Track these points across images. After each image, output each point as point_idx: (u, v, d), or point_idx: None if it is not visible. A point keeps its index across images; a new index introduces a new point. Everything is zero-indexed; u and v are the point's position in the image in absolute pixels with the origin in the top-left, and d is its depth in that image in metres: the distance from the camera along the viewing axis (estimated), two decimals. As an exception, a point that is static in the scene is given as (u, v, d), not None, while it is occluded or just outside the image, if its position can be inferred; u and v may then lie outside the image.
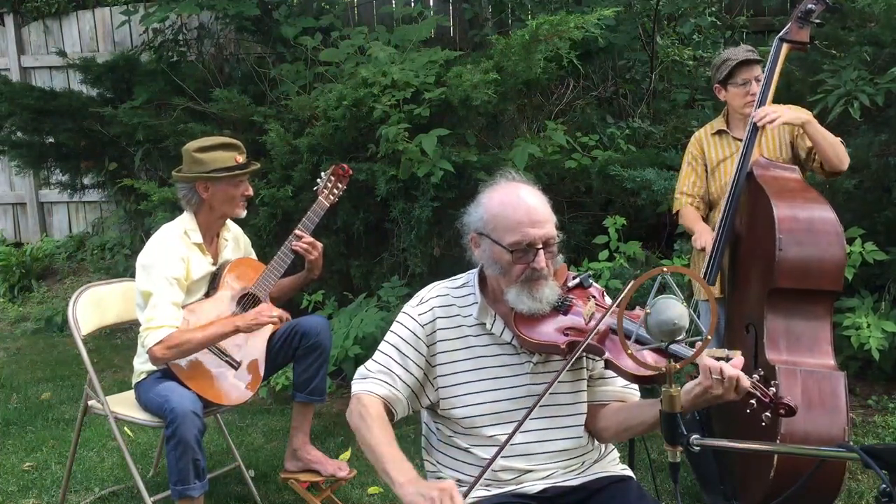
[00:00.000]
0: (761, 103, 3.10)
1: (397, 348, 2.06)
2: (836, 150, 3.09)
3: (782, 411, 1.85)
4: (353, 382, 2.09)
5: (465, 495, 1.82)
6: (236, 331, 2.97)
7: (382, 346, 2.09)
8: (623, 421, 2.05)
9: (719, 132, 3.36)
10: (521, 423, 1.88)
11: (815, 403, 2.67)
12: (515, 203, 1.98)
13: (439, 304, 2.09)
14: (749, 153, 3.06)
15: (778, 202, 2.85)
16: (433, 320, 2.07)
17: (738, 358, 1.87)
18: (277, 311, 3.02)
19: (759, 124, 3.04)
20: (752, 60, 3.23)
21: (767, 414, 1.85)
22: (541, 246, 1.96)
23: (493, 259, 2.00)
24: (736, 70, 3.25)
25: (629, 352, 1.73)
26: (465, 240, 2.08)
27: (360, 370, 2.09)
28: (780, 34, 3.17)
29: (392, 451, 1.92)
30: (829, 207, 2.88)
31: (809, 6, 3.11)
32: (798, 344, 2.80)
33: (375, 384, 2.04)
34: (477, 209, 2.04)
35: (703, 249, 3.11)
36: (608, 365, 1.95)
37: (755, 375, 1.86)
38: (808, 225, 2.83)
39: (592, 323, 1.97)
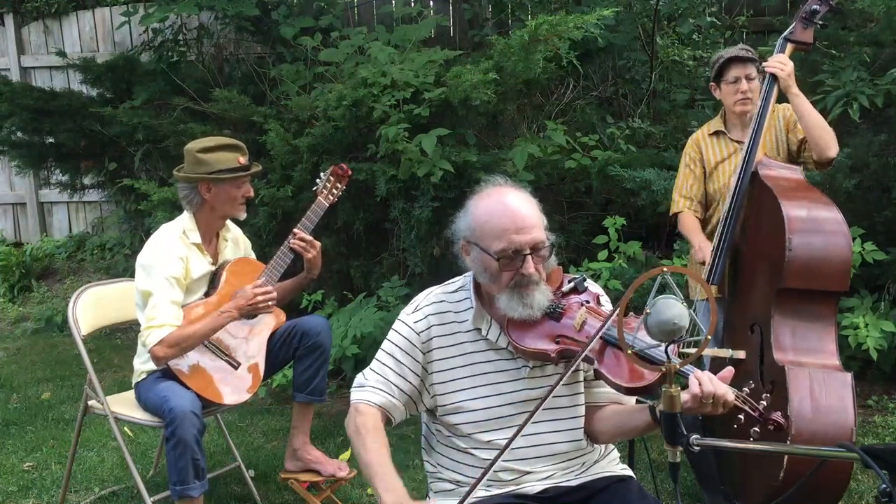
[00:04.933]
0: (765, 101, 3.08)
1: (393, 356, 2.06)
2: (823, 133, 3.04)
3: (771, 426, 1.83)
4: (351, 391, 2.10)
5: (461, 503, 1.82)
6: (231, 317, 2.96)
7: (379, 354, 2.09)
8: (616, 425, 2.05)
9: (717, 133, 3.35)
10: (521, 427, 1.87)
11: (824, 404, 2.66)
12: (501, 210, 1.96)
13: (434, 311, 2.08)
14: (754, 151, 3.03)
15: (786, 202, 2.82)
16: (428, 328, 2.06)
17: (728, 370, 1.86)
18: (267, 287, 3.00)
19: (769, 70, 3.04)
20: (742, 58, 3.21)
21: (756, 429, 1.84)
22: (528, 251, 1.94)
23: (482, 267, 1.99)
24: (726, 67, 3.24)
25: (629, 352, 1.73)
26: (457, 247, 2.08)
27: (358, 378, 2.10)
28: (785, 34, 3.15)
29: (383, 467, 1.94)
30: (836, 207, 2.86)
31: (814, 7, 3.10)
32: (805, 344, 2.79)
33: (372, 393, 2.05)
34: (465, 217, 2.04)
35: (703, 263, 3.07)
36: (598, 375, 1.95)
37: (745, 389, 1.85)
38: (817, 225, 2.81)
39: (587, 328, 1.97)
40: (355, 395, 2.08)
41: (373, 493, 3.44)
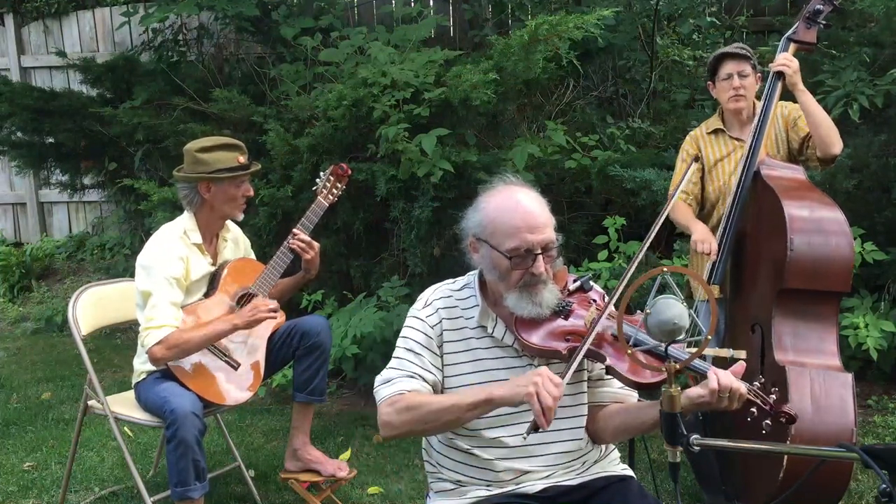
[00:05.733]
0: (769, 99, 3.08)
1: (413, 351, 2.03)
2: (829, 131, 3.04)
3: (783, 419, 1.85)
4: (375, 392, 2.02)
5: (563, 377, 1.84)
6: (235, 328, 2.96)
7: (397, 352, 2.06)
8: (621, 423, 2.05)
9: (716, 131, 3.34)
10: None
11: (824, 405, 2.67)
12: (513, 208, 1.97)
13: (443, 305, 2.08)
14: (757, 150, 3.02)
15: (788, 202, 2.82)
16: (440, 321, 2.06)
17: (740, 364, 1.87)
18: (273, 304, 3.00)
19: (775, 68, 3.04)
20: (735, 54, 3.21)
21: (768, 422, 1.85)
22: (539, 251, 1.95)
23: (491, 264, 1.99)
24: (719, 64, 3.23)
25: (630, 352, 1.73)
26: (464, 244, 2.07)
27: (379, 378, 2.03)
28: (788, 34, 3.15)
29: (457, 395, 1.94)
30: (838, 208, 2.85)
31: (818, 6, 3.09)
32: (806, 345, 2.79)
33: (404, 383, 1.98)
34: (475, 214, 2.03)
35: (707, 253, 3.03)
36: (609, 371, 1.95)
37: (756, 383, 1.86)
38: (819, 225, 2.80)
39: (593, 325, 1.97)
40: (385, 390, 1.98)
41: (373, 493, 3.45)
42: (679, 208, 3.28)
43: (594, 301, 2.06)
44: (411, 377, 1.99)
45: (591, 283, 2.11)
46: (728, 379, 1.81)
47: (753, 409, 1.84)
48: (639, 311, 1.96)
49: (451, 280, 2.15)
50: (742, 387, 1.81)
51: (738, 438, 2.77)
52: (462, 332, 2.06)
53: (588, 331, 1.95)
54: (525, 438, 1.85)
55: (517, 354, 2.04)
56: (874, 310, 4.06)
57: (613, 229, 4.53)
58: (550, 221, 1.99)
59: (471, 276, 2.12)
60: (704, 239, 3.05)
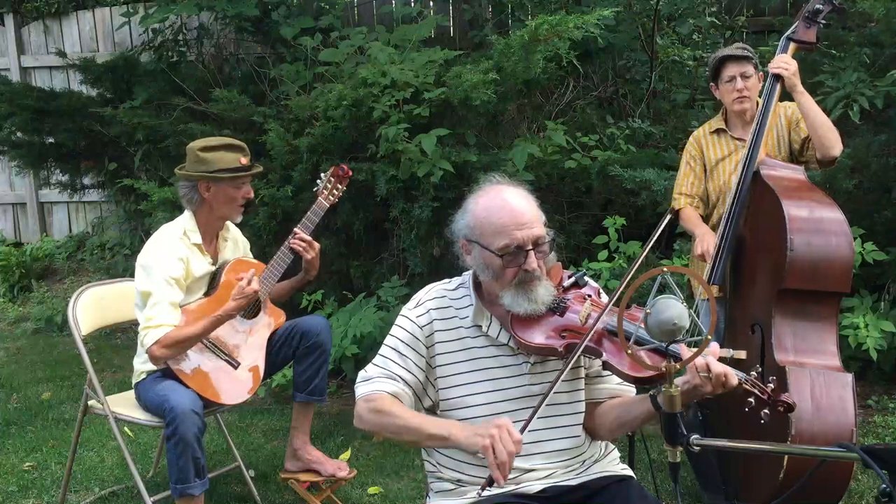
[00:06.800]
0: (768, 100, 3.08)
1: (397, 350, 2.06)
2: (828, 133, 3.04)
3: (781, 408, 1.84)
4: (356, 387, 2.07)
5: (522, 431, 1.83)
6: (228, 314, 2.95)
7: (382, 349, 2.09)
8: (617, 417, 2.05)
9: (718, 131, 3.35)
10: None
11: (824, 404, 2.67)
12: (500, 206, 1.97)
13: (436, 305, 2.09)
14: (756, 151, 3.03)
15: (787, 202, 2.82)
16: (430, 322, 2.07)
17: (719, 352, 1.86)
18: (248, 274, 2.97)
19: (773, 71, 3.05)
20: (737, 56, 3.21)
21: (766, 411, 1.85)
22: (530, 247, 1.95)
23: (484, 264, 2.00)
24: (721, 67, 3.24)
25: (629, 351, 1.73)
26: (456, 247, 2.08)
27: (362, 374, 2.08)
28: (787, 33, 3.16)
29: (424, 419, 1.95)
30: (838, 208, 2.85)
31: (817, 6, 3.09)
32: (805, 345, 2.79)
33: (381, 383, 2.03)
34: (464, 216, 2.04)
35: (701, 255, 3.07)
36: (606, 366, 1.95)
37: (753, 372, 1.86)
38: (819, 225, 2.80)
39: (590, 322, 1.97)
40: (362, 388, 2.04)
41: (373, 493, 3.45)
42: (686, 214, 3.32)
43: (589, 296, 2.06)
44: (391, 379, 2.03)
45: (586, 278, 2.11)
46: (701, 358, 1.78)
47: (751, 399, 1.84)
48: (635, 306, 1.96)
49: (446, 280, 2.16)
50: (726, 371, 1.79)
51: (739, 432, 2.80)
52: (457, 332, 2.06)
53: (587, 328, 1.95)
54: (479, 495, 1.87)
55: (513, 352, 2.04)
56: (874, 310, 4.06)
57: (613, 229, 4.53)
58: (539, 217, 2.00)
59: (466, 276, 2.13)
60: (702, 240, 3.11)
